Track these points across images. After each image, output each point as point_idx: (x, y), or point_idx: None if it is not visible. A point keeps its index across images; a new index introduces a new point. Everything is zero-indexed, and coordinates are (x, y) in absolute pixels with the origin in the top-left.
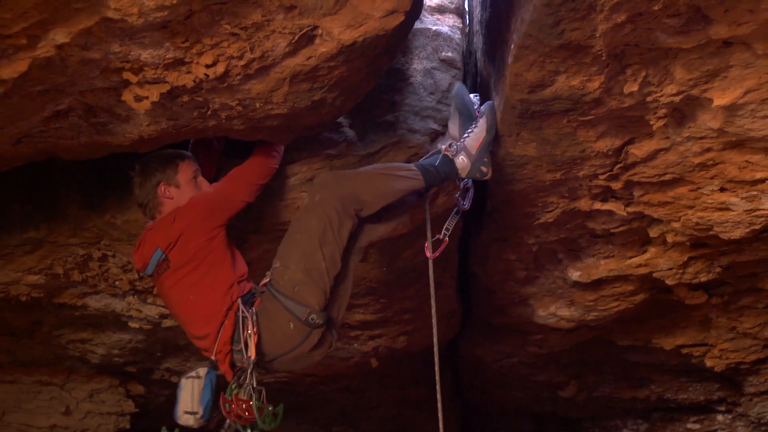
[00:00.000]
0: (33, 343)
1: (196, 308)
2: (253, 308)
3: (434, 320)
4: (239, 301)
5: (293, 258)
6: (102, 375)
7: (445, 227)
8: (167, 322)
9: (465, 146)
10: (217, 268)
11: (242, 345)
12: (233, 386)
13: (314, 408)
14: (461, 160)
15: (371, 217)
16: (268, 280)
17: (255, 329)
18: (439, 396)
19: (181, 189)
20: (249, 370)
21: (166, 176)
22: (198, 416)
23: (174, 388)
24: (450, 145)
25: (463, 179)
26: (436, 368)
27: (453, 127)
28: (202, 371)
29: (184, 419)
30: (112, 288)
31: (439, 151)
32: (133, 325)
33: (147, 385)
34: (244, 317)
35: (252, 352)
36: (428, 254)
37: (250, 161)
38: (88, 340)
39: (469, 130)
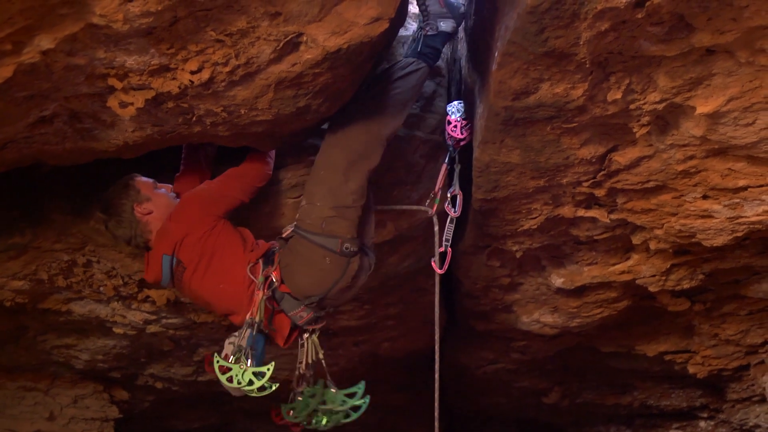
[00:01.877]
0: (17, 348)
1: (227, 291)
2: (273, 265)
3: (437, 332)
4: (253, 267)
5: (319, 195)
6: (86, 381)
7: (444, 238)
8: (151, 328)
9: (434, 14)
10: (231, 249)
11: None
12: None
13: None
14: (443, 24)
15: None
16: (293, 227)
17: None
18: (436, 404)
19: (153, 200)
20: (244, 329)
21: (133, 198)
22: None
23: (158, 393)
24: (424, 26)
25: (457, 30)
26: (436, 375)
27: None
28: (243, 339)
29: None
30: (97, 294)
31: (418, 36)
32: (117, 330)
33: (131, 391)
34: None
35: (257, 311)
36: (436, 269)
37: (246, 164)
38: (73, 346)
39: (425, 5)
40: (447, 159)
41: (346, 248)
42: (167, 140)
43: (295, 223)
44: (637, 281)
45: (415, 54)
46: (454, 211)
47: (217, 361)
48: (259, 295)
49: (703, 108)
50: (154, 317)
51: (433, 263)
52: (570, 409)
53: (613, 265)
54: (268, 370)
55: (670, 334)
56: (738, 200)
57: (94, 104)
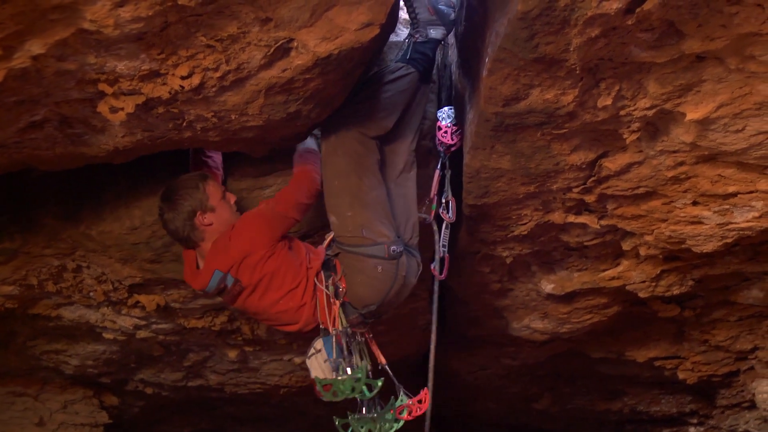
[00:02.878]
0: (7, 353)
1: (287, 307)
2: (336, 273)
3: (433, 336)
4: (318, 277)
5: (345, 205)
6: (76, 386)
7: (441, 244)
8: (141, 333)
9: (424, 21)
10: (290, 268)
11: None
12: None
13: (289, 419)
14: (432, 32)
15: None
16: (331, 238)
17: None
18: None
19: (217, 212)
20: (333, 343)
21: (199, 204)
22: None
23: (148, 399)
24: (413, 33)
25: (446, 37)
26: (430, 380)
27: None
28: (318, 343)
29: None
30: (87, 299)
31: (408, 44)
32: (107, 336)
33: (121, 396)
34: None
35: (334, 320)
36: (436, 275)
37: (294, 182)
38: (62, 351)
39: (415, 12)
40: (439, 165)
41: (393, 251)
42: (158, 145)
43: (335, 239)
44: (627, 287)
45: (404, 59)
46: (449, 217)
47: (318, 381)
48: (337, 304)
49: (693, 114)
50: (143, 323)
51: (433, 269)
52: (560, 414)
53: (603, 271)
54: (361, 371)
55: (660, 340)
56: (728, 206)
57: (85, 109)
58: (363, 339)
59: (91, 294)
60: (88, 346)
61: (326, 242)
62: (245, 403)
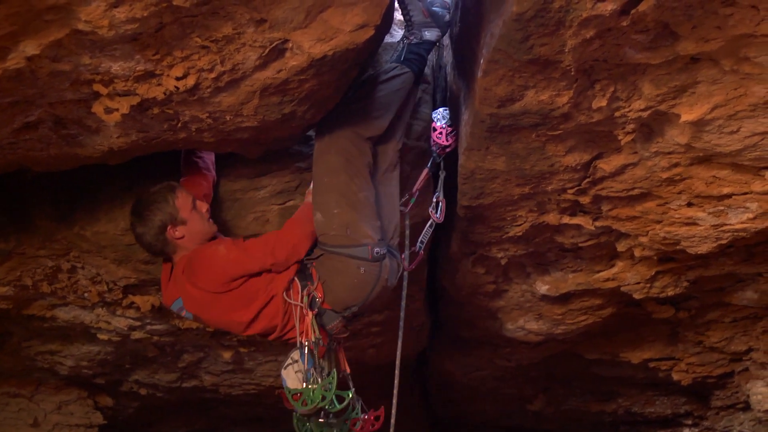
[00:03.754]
0: (1, 354)
1: (263, 318)
2: (312, 282)
3: (401, 332)
4: (295, 281)
5: (332, 202)
6: (70, 387)
7: (420, 240)
8: (136, 334)
9: (418, 23)
10: (256, 290)
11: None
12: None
13: (283, 419)
14: (427, 34)
15: (382, 137)
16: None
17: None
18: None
19: (188, 224)
20: (305, 354)
21: (169, 218)
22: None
23: (142, 399)
24: (408, 35)
25: (441, 39)
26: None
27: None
28: (295, 354)
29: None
30: (81, 300)
31: (402, 45)
32: (101, 336)
33: (115, 397)
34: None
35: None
36: (405, 266)
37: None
38: (57, 352)
39: (409, 15)
40: (430, 163)
41: (377, 253)
42: (152, 146)
43: (318, 239)
44: (621, 288)
45: (398, 60)
46: (438, 217)
47: (287, 391)
48: (310, 316)
49: (687, 116)
50: (138, 323)
51: (402, 258)
52: (555, 416)
53: (598, 272)
54: (332, 379)
55: (654, 342)
56: (722, 208)
57: (79, 110)
58: (334, 346)
59: (86, 295)
60: (83, 347)
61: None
62: (240, 404)
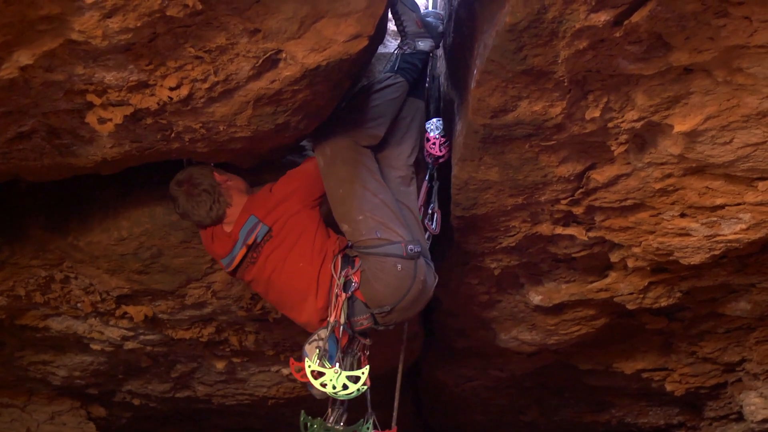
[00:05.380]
0: None
1: (303, 282)
2: (353, 267)
3: (404, 337)
4: (336, 259)
5: (354, 210)
6: (63, 397)
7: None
8: (129, 344)
9: (412, 34)
10: (321, 239)
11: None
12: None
13: (276, 430)
14: (420, 44)
15: (381, 145)
16: (347, 245)
17: (343, 294)
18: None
19: (229, 174)
20: (327, 333)
21: (212, 169)
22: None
23: (135, 410)
24: (402, 45)
25: (435, 49)
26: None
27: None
28: (323, 332)
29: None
30: (74, 310)
31: (396, 56)
32: (94, 347)
33: (108, 408)
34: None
35: (337, 315)
36: None
37: None
38: (50, 362)
39: (403, 26)
40: (427, 176)
41: (411, 249)
42: (146, 156)
43: (353, 246)
44: (614, 299)
45: (392, 70)
46: (433, 228)
47: (309, 366)
48: (343, 297)
49: (680, 126)
50: (131, 333)
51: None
52: (548, 426)
53: (591, 282)
54: (363, 374)
55: (647, 352)
56: (715, 218)
57: (73, 120)
58: (358, 348)
59: (79, 305)
60: (76, 357)
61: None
62: (233, 415)
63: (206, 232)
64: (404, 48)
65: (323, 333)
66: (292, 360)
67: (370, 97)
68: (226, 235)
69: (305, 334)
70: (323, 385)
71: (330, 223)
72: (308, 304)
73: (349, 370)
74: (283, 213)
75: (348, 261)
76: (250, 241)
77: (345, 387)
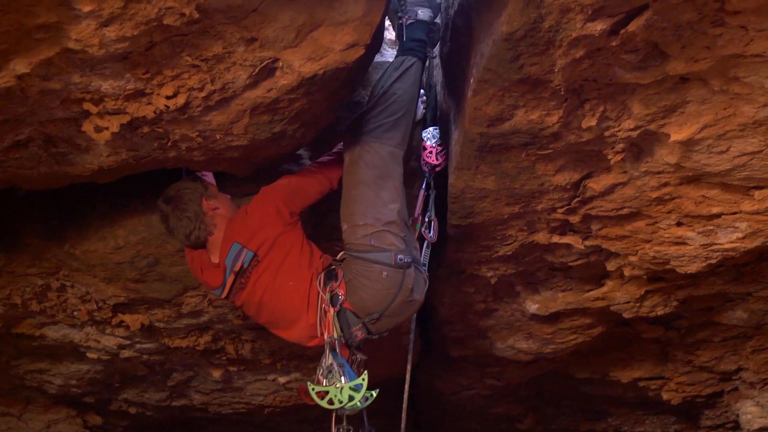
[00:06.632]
0: None
1: (294, 300)
2: (337, 280)
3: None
4: (321, 277)
5: (358, 215)
6: (59, 405)
7: (422, 263)
8: (125, 353)
9: (411, 2)
10: (306, 258)
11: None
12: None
13: None
14: (420, 13)
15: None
16: (343, 254)
17: (332, 308)
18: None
19: (219, 198)
20: (327, 350)
21: (202, 192)
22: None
23: (132, 418)
24: (402, 15)
25: (434, 19)
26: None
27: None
28: (329, 358)
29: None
30: (71, 318)
31: (400, 30)
32: (91, 355)
33: (104, 416)
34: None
35: (329, 329)
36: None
37: (325, 159)
38: (46, 371)
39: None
40: (424, 185)
41: (400, 259)
42: (142, 165)
43: (345, 246)
44: (611, 307)
45: (403, 52)
46: (431, 237)
47: (312, 389)
48: (332, 312)
49: (677, 135)
50: (128, 342)
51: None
52: None
53: (588, 291)
54: (363, 380)
55: (644, 361)
56: (712, 227)
57: (69, 129)
58: (357, 358)
59: (75, 313)
60: (72, 365)
61: (339, 255)
62: (229, 423)
63: (191, 254)
64: (405, 17)
65: (329, 359)
66: (300, 386)
67: (392, 88)
68: (214, 266)
69: (301, 345)
70: (330, 403)
71: (320, 234)
72: (302, 321)
73: (357, 373)
74: (267, 237)
75: (331, 276)
76: (236, 268)
77: (351, 398)
